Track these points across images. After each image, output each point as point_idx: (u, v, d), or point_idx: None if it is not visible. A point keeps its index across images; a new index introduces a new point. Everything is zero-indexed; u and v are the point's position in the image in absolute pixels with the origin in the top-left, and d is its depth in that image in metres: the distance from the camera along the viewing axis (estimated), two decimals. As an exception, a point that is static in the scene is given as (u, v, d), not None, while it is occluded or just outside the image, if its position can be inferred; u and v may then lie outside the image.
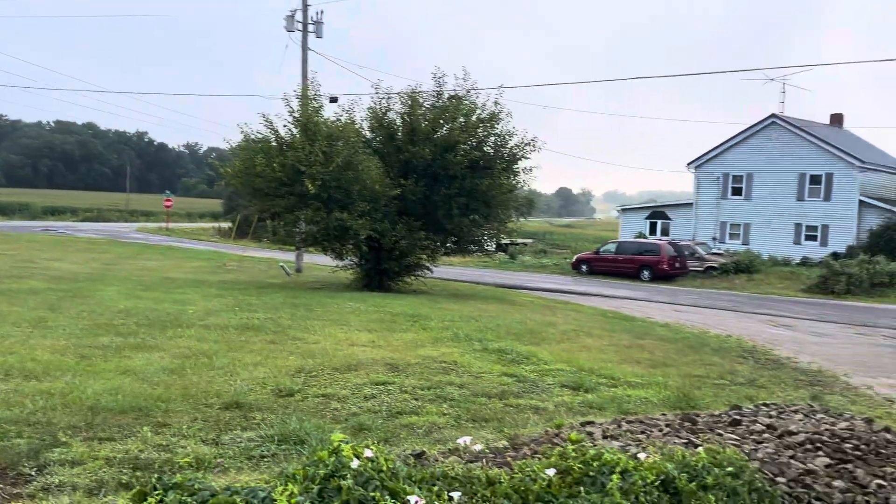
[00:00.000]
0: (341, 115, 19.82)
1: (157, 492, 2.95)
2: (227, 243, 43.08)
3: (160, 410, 5.89)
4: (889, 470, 5.60)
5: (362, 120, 20.58)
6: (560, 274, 32.77)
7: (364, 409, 6.31)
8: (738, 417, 6.26)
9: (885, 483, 5.23)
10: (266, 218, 23.50)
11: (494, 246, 33.18)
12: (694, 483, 4.06)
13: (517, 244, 42.49)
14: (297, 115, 18.86)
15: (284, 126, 19.08)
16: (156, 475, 3.31)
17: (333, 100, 23.02)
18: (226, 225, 55.18)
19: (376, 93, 20.59)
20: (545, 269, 35.23)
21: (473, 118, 19.76)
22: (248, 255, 32.66)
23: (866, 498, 4.91)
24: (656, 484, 3.94)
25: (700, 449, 4.74)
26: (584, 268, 32.50)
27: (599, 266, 31.85)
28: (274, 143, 18.86)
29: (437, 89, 20.27)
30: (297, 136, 18.60)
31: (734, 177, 39.09)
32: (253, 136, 19.03)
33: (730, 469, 4.38)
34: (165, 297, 14.16)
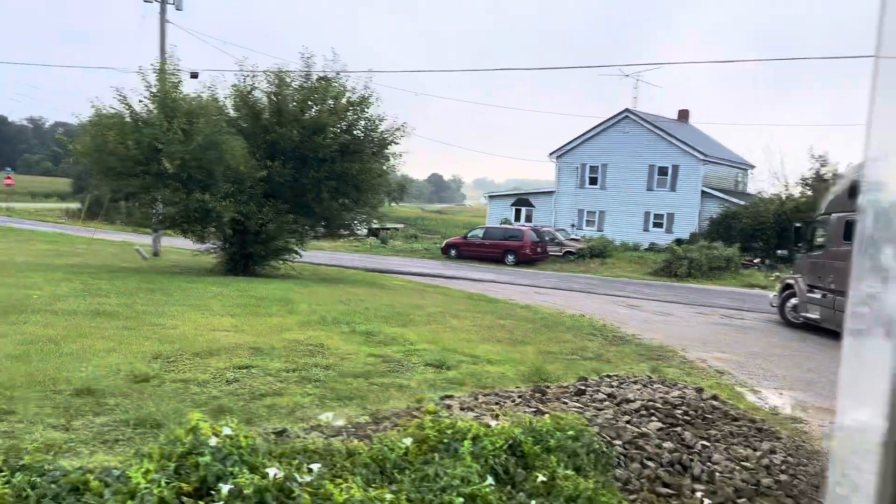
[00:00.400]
0: (203, 92, 19.05)
1: (2, 473, 2.86)
2: (77, 225, 40.11)
3: (4, 398, 5.55)
4: (713, 432, 6.34)
5: (226, 98, 19.89)
6: (430, 258, 33.33)
7: (225, 393, 6.26)
8: (582, 388, 6.81)
9: (708, 444, 5.92)
10: (120, 199, 22.14)
11: (366, 230, 33.13)
12: (538, 446, 4.43)
13: (388, 229, 42.68)
14: (154, 90, 17.91)
15: (140, 101, 18.07)
16: (1, 458, 3.19)
17: (194, 75, 22.02)
18: (75, 206, 51.40)
19: (241, 70, 19.95)
20: (416, 253, 35.70)
21: (343, 101, 19.61)
22: (100, 237, 30.63)
23: (691, 456, 5.54)
24: (504, 448, 4.28)
25: (546, 416, 5.15)
26: (453, 252, 33.26)
27: (467, 251, 32.73)
28: (128, 120, 17.81)
29: (306, 70, 19.95)
30: (155, 112, 17.68)
31: (591, 167, 41.37)
32: (105, 112, 17.87)
33: (571, 433, 4.80)
34: (7, 282, 13.09)
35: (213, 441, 3.41)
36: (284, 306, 12.11)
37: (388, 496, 3.33)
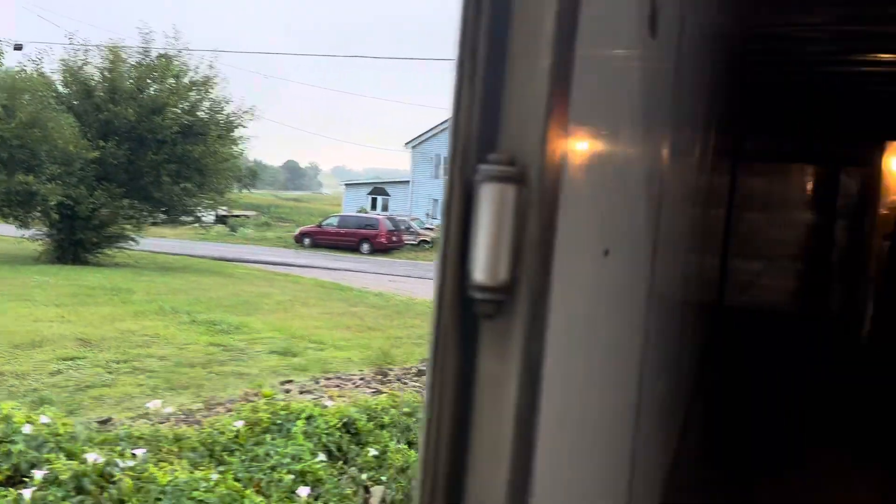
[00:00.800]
0: (27, 66, 17.51)
1: None
2: None
3: None
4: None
5: (53, 73, 18.39)
6: (283, 247, 32.61)
7: (48, 385, 5.92)
8: (422, 368, 7.11)
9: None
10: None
11: (213, 217, 31.80)
12: (372, 423, 4.63)
13: (238, 216, 41.15)
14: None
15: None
16: None
17: (18, 48, 20.09)
18: None
19: (71, 44, 18.52)
20: (267, 241, 34.78)
21: (186, 80, 18.77)
22: None
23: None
24: (338, 426, 4.43)
25: (383, 395, 5.36)
26: (306, 241, 32.75)
27: (322, 239, 32.36)
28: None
29: (145, 46, 18.87)
30: (-31, 84, 16.03)
31: (445, 157, 42.24)
32: None
33: (406, 409, 5.05)
34: None
35: (27, 429, 3.30)
36: (117, 296, 11.47)
37: (215, 476, 3.38)
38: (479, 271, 0.74)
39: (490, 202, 0.73)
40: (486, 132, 0.76)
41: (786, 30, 6.74)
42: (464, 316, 0.75)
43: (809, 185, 10.04)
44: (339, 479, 3.99)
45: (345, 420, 4.51)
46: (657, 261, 1.82)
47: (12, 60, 17.43)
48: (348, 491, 3.91)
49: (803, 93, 9.65)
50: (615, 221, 1.29)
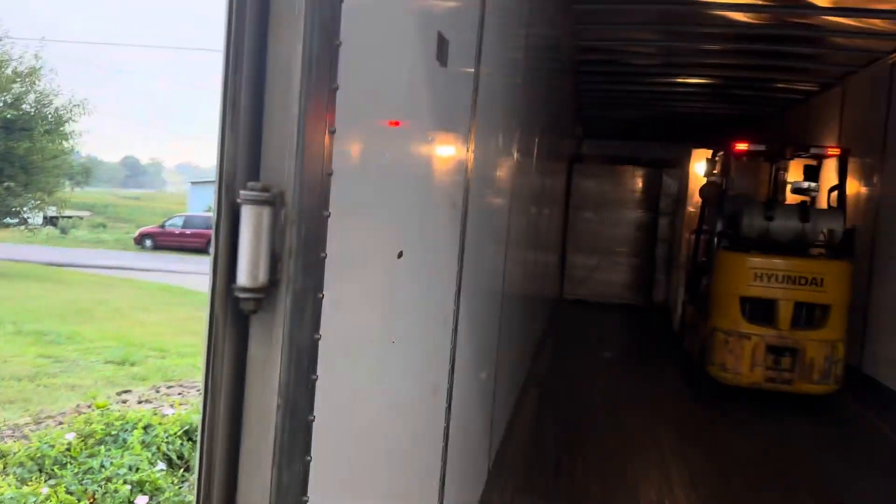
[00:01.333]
0: None
1: None
2: None
3: None
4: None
5: None
6: (122, 249, 30.57)
7: None
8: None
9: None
10: None
11: (42, 219, 29.31)
12: (216, 428, 4.59)
13: (70, 217, 38.01)
14: None
15: None
16: None
17: None
18: None
19: None
20: (104, 244, 32.46)
21: (8, 71, 17.22)
22: None
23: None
24: (180, 434, 4.36)
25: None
26: (148, 243, 30.88)
27: (165, 241, 30.64)
28: None
29: (-42, 33, 17.09)
30: None
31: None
32: None
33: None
34: None
35: None
36: (-73, 307, 10.38)
37: (46, 490, 3.25)
38: (242, 276, 0.91)
39: (249, 221, 0.90)
40: (247, 165, 0.92)
41: (614, 44, 7.42)
42: (236, 311, 0.90)
43: (638, 186, 11.00)
44: (181, 487, 3.94)
45: (186, 427, 4.44)
46: (467, 259, 2.03)
47: None
48: (190, 498, 3.87)
49: (633, 101, 10.59)
50: (408, 228, 1.47)
